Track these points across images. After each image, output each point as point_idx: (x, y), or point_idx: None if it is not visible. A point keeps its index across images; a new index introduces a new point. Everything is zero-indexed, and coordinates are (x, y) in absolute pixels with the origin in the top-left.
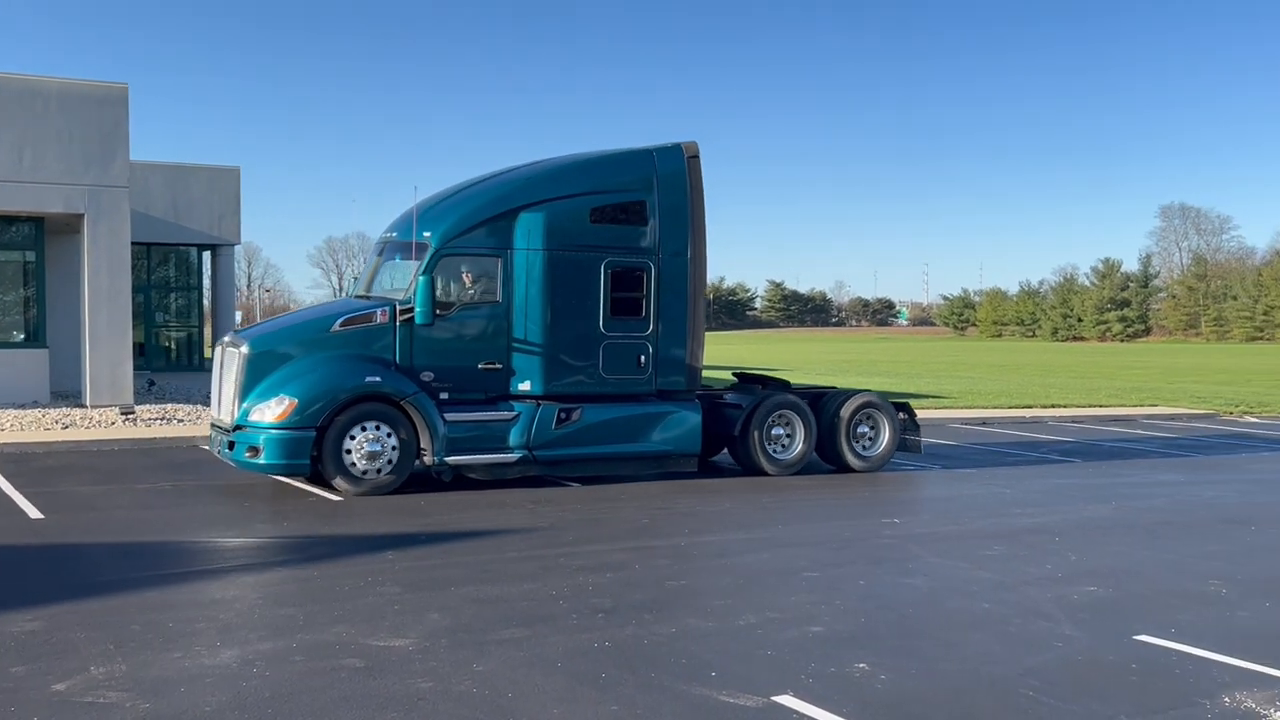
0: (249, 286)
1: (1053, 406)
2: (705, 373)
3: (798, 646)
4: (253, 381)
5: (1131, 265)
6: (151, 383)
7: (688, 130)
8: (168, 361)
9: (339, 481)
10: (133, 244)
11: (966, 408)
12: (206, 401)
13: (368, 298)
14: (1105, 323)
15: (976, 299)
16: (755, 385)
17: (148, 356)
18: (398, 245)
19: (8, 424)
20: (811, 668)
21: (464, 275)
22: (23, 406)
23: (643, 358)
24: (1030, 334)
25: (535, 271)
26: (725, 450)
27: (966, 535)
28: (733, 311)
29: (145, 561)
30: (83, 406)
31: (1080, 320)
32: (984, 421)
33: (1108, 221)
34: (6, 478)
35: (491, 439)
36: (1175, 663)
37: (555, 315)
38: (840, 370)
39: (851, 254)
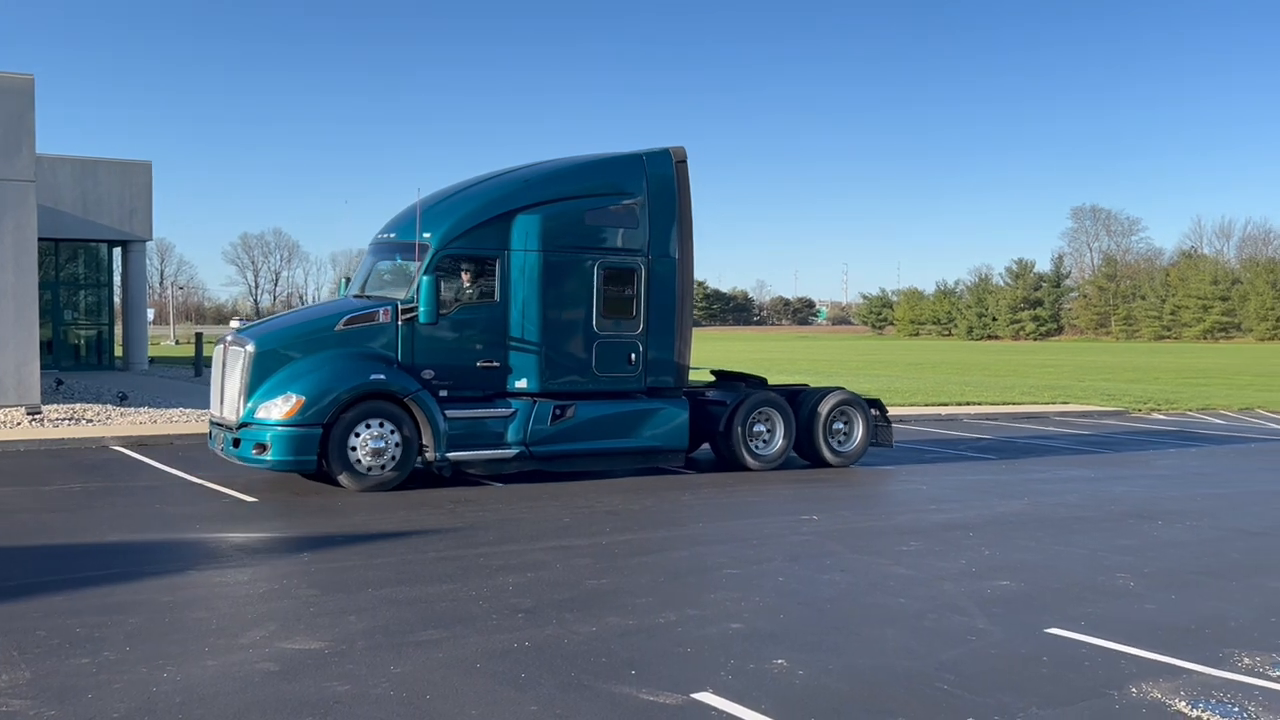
0: (161, 284)
1: (968, 404)
2: None
3: (717, 643)
4: (259, 379)
5: (1044, 266)
6: (59, 382)
7: (610, 127)
8: (76, 360)
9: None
10: (40, 239)
11: None
12: (117, 401)
13: (366, 297)
14: (1019, 322)
15: (894, 299)
16: (735, 383)
17: (56, 355)
18: (396, 246)
19: None
20: (731, 664)
21: (463, 275)
22: None
23: (633, 356)
24: (947, 333)
25: (531, 272)
26: (703, 445)
27: (884, 531)
28: None
29: (52, 565)
30: None
31: (995, 319)
32: (901, 419)
33: (1022, 223)
34: None
35: (490, 435)
36: (1085, 655)
37: (551, 315)
38: (762, 369)
39: (773, 254)
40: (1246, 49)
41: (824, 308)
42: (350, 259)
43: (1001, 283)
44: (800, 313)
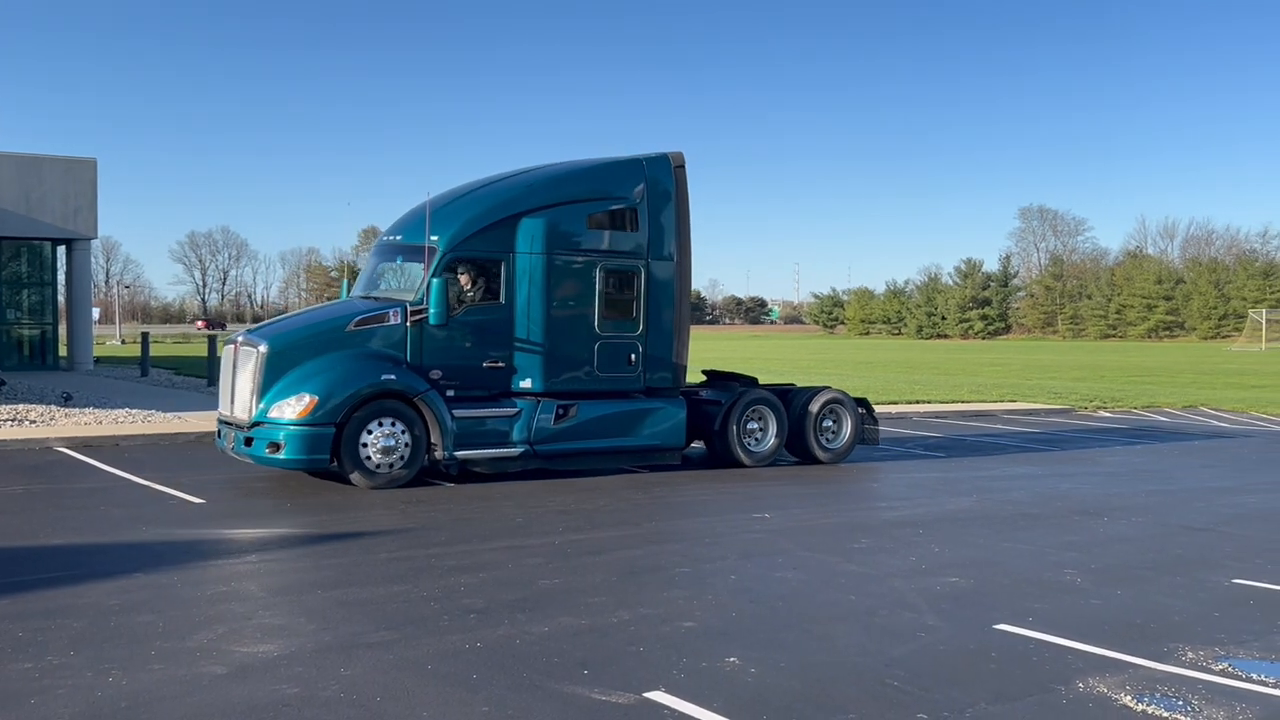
0: (107, 282)
1: (917, 403)
2: None
3: (670, 642)
4: (271, 379)
5: (992, 265)
6: (2, 382)
7: (558, 126)
8: (20, 360)
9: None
10: None
11: None
12: (61, 402)
13: (373, 299)
14: (967, 321)
15: (845, 298)
16: (728, 382)
17: None
18: (402, 248)
19: None
20: (684, 663)
21: (470, 278)
22: None
23: (633, 356)
24: (897, 332)
25: (536, 274)
26: (696, 443)
27: (835, 529)
28: None
29: None
30: None
31: (944, 318)
32: None
33: (970, 223)
34: None
35: (496, 434)
36: (1033, 650)
37: (554, 316)
38: (717, 367)
39: (725, 253)
40: (1191, 53)
41: (776, 307)
42: (300, 257)
43: (950, 282)
44: (753, 312)
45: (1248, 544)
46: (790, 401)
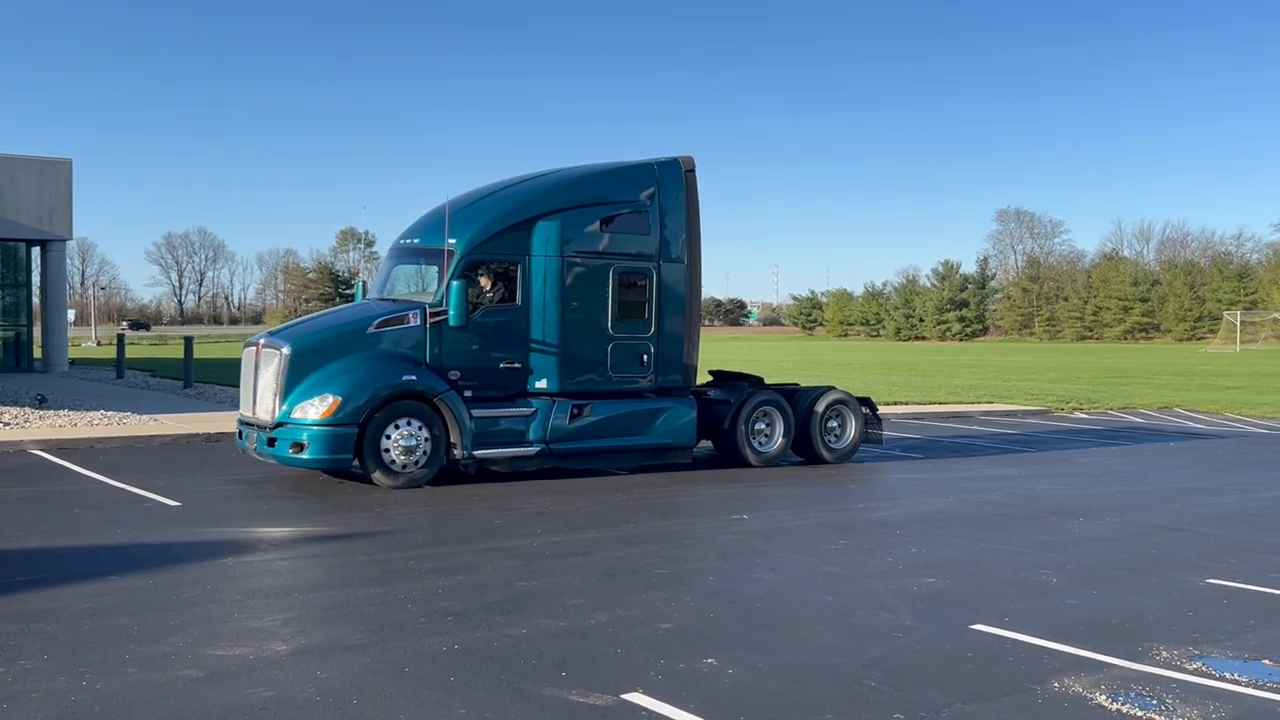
0: (82, 284)
1: (895, 404)
2: None
3: (648, 644)
4: (294, 380)
5: (970, 267)
6: None
7: (538, 128)
8: None
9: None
10: None
11: None
12: (35, 404)
13: (391, 301)
14: (945, 323)
15: (824, 300)
16: (736, 382)
17: None
18: (419, 251)
19: None
20: (661, 665)
21: (487, 280)
22: None
23: (645, 357)
24: (875, 333)
25: (551, 276)
26: (703, 442)
27: (812, 530)
28: None
29: None
30: None
31: (921, 320)
32: None
33: (948, 225)
34: None
35: (513, 434)
36: (1009, 650)
37: (569, 318)
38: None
39: (705, 255)
40: (1168, 57)
41: (755, 309)
42: (278, 258)
43: (928, 284)
44: (732, 313)
45: (1222, 544)
46: (796, 402)
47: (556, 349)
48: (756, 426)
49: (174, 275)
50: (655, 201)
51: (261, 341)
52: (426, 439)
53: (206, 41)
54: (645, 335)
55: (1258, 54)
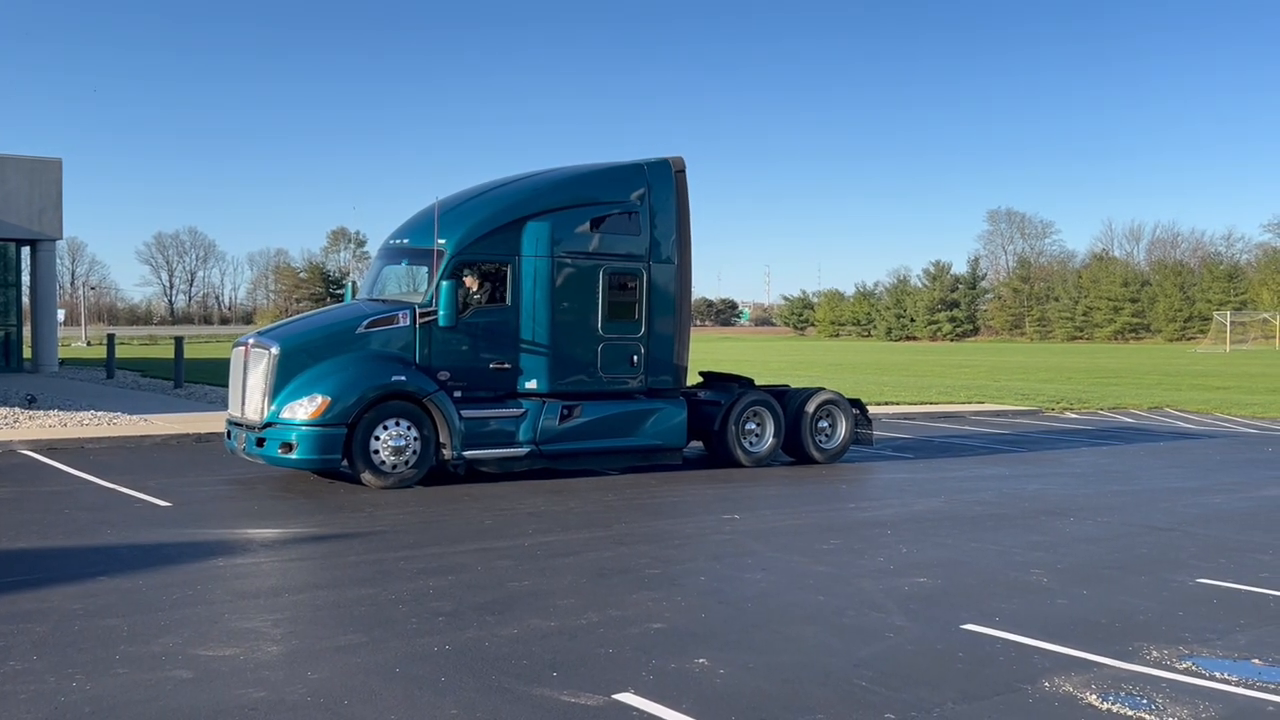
0: (72, 284)
1: (887, 404)
2: None
3: (639, 644)
4: (283, 380)
5: (961, 267)
6: None
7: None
8: None
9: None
10: None
11: None
12: (25, 404)
13: (380, 301)
14: (936, 323)
15: (815, 300)
16: (726, 383)
17: None
18: (408, 251)
19: None
20: (652, 665)
21: (477, 280)
22: None
23: (635, 358)
24: (866, 334)
25: (541, 277)
26: (693, 443)
27: (804, 530)
28: None
29: None
30: None
31: (913, 320)
32: None
33: (939, 225)
34: None
35: (503, 434)
36: (999, 650)
37: (559, 318)
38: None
39: (696, 255)
40: (1159, 57)
41: (746, 309)
42: (269, 258)
43: (919, 284)
44: (723, 314)
45: (1211, 544)
46: (786, 402)
47: (546, 350)
48: (747, 427)
49: (164, 275)
50: (645, 202)
51: (251, 341)
52: (416, 439)
53: (196, 41)
54: (635, 336)
55: (1248, 54)
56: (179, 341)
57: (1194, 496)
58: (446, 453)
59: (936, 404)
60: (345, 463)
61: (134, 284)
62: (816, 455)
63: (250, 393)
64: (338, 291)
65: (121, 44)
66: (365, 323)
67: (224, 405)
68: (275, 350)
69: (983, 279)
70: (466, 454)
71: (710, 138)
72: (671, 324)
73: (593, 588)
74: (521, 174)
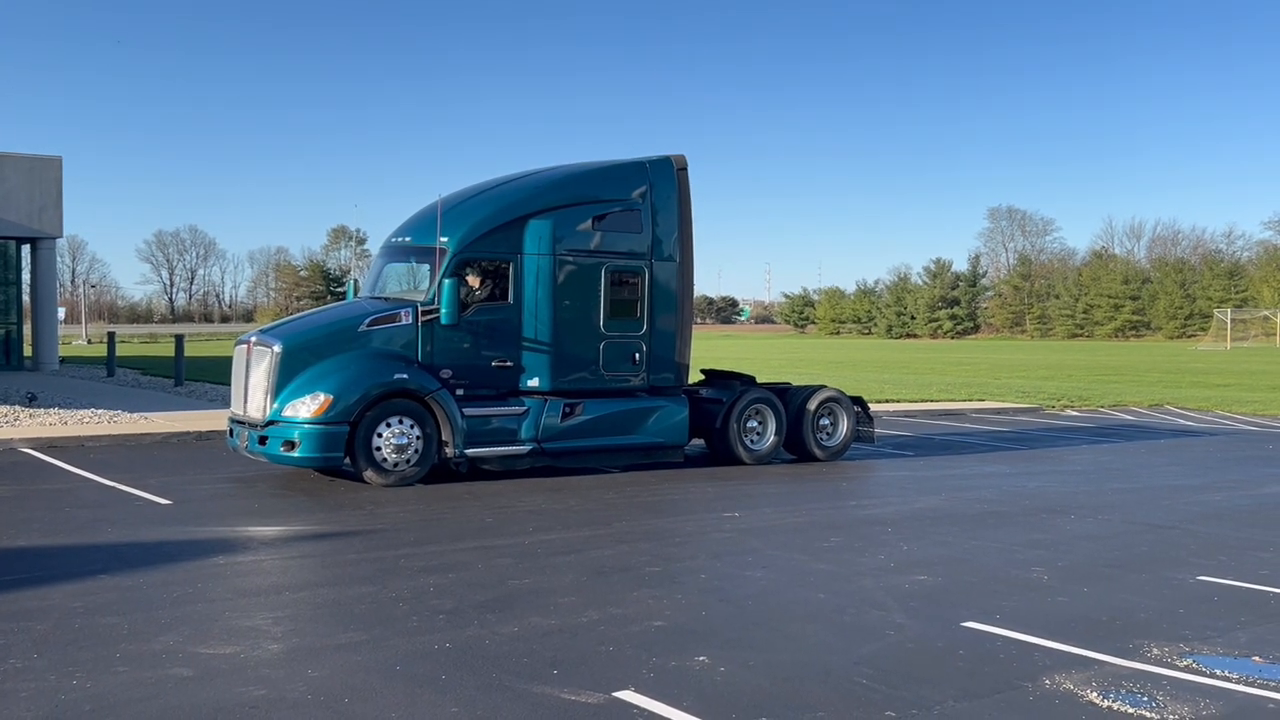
0: (73, 282)
1: (887, 402)
2: None
3: (640, 642)
4: (286, 378)
5: (961, 265)
6: None
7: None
8: None
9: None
10: None
11: None
12: (25, 402)
13: (383, 299)
14: (936, 320)
15: (816, 297)
16: (728, 381)
17: None
18: (411, 249)
19: None
20: (653, 662)
21: (480, 278)
22: None
23: (637, 355)
24: (867, 331)
25: (543, 275)
26: (695, 440)
27: (804, 527)
28: None
29: None
30: None
31: (913, 318)
32: None
33: (939, 223)
34: None
35: (505, 432)
36: (1000, 648)
37: (561, 316)
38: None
39: (697, 252)
40: (1159, 55)
41: (747, 306)
42: (269, 256)
43: (920, 282)
44: (724, 311)
45: (1212, 541)
46: (788, 400)
47: (548, 347)
48: (748, 425)
49: (165, 273)
50: (647, 200)
51: (253, 339)
52: (418, 437)
53: (197, 39)
54: (637, 334)
55: (1248, 51)
56: (179, 340)
57: (1194, 494)
58: (449, 451)
59: (937, 402)
60: (348, 461)
61: (134, 282)
62: (818, 453)
63: (252, 391)
64: (338, 290)
65: (121, 44)
66: (367, 321)
67: (224, 403)
68: (277, 348)
69: (983, 276)
70: (469, 452)
71: (711, 136)
72: (673, 322)
73: (593, 586)
74: (523, 172)
